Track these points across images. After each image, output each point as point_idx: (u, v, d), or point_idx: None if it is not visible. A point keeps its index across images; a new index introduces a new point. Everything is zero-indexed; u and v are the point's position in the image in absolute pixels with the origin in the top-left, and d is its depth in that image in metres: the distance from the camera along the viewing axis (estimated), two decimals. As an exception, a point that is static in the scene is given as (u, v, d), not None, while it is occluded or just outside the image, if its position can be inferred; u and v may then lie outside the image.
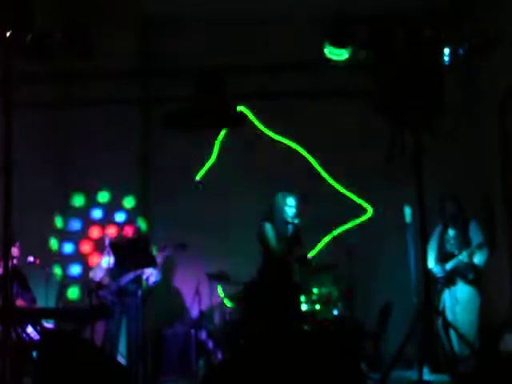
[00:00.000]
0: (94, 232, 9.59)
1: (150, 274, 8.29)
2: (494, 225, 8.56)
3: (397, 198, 9.12)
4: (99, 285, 8.13)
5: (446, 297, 7.86)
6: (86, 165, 9.49)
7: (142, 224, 9.51)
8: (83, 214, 9.67)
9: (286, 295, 7.37)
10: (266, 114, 9.61)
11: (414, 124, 6.71)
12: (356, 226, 9.68)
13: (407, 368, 7.05)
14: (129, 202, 9.66)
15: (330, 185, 9.81)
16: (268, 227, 7.45)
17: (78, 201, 9.69)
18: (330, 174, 9.78)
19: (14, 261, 7.74)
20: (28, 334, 6.68)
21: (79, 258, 9.52)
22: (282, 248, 7.39)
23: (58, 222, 9.60)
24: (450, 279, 7.84)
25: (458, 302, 7.76)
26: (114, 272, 8.12)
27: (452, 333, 6.83)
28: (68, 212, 9.68)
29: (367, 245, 9.49)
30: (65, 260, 9.51)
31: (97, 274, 8.29)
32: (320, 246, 9.66)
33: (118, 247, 7.98)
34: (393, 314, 8.22)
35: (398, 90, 6.52)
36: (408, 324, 6.62)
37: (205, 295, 8.94)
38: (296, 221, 7.40)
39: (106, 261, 8.10)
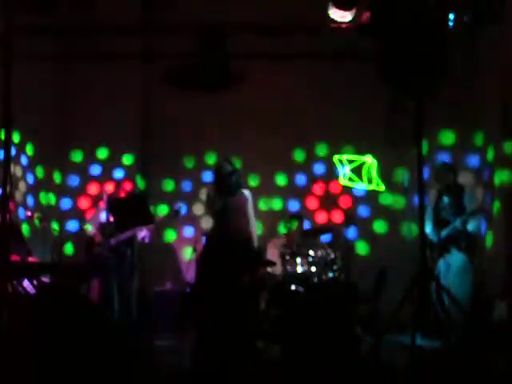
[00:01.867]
0: (92, 188, 9.59)
1: (145, 235, 8.30)
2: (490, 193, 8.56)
3: (395, 162, 9.14)
4: (93, 241, 8.14)
5: (441, 264, 7.89)
6: (85, 121, 9.49)
7: (140, 182, 9.50)
8: (82, 170, 9.66)
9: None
10: (266, 73, 9.51)
11: (415, 90, 6.68)
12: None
13: (400, 332, 7.09)
14: (127, 160, 9.65)
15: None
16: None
17: (77, 157, 9.68)
18: (330, 137, 9.72)
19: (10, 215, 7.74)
20: (24, 288, 6.71)
21: (77, 213, 9.53)
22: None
23: (57, 178, 9.59)
24: (444, 247, 7.86)
25: (452, 269, 7.78)
26: (109, 229, 8.09)
27: (445, 298, 6.85)
28: (66, 168, 9.66)
29: (364, 210, 9.54)
30: (62, 215, 9.52)
31: (90, 226, 8.29)
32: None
33: (116, 204, 7.97)
34: (388, 279, 8.25)
35: (401, 53, 6.47)
36: (403, 289, 6.67)
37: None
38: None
39: (101, 215, 8.06)
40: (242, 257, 7.02)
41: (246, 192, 7.14)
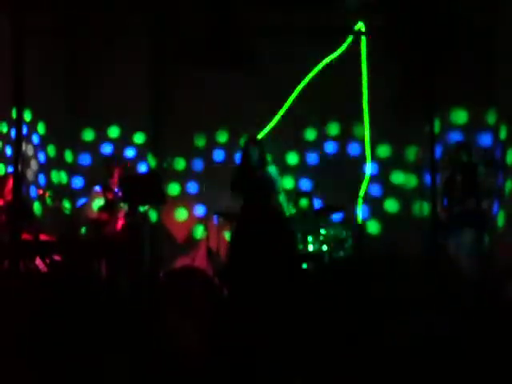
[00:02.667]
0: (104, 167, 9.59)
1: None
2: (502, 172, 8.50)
3: (407, 137, 9.08)
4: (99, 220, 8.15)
5: (452, 242, 7.85)
6: (97, 100, 9.47)
7: (151, 161, 9.49)
8: (93, 148, 9.66)
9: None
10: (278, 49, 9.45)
11: (427, 63, 6.64)
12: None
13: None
14: (139, 138, 9.64)
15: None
16: None
17: (88, 136, 9.68)
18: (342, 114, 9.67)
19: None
20: (36, 266, 6.75)
21: (88, 192, 9.55)
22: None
23: (68, 157, 9.60)
24: (456, 224, 7.82)
25: (463, 247, 7.74)
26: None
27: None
28: (78, 146, 9.67)
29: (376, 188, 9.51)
30: (74, 194, 9.54)
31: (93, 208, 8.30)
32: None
33: (128, 183, 7.97)
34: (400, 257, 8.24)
35: (412, 27, 6.43)
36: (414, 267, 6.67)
37: (213, 234, 8.96)
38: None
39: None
40: (280, 232, 7.15)
41: (274, 168, 7.27)
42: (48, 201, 7.99)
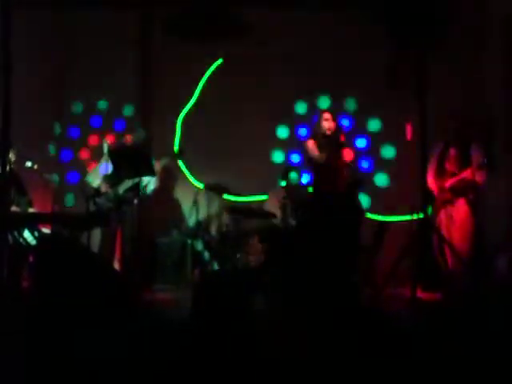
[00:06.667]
0: (93, 139, 9.55)
1: (148, 182, 8.29)
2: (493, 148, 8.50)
3: (397, 113, 9.05)
4: (97, 191, 8.13)
5: (442, 216, 7.84)
6: (85, 72, 9.41)
7: (140, 132, 9.42)
8: (82, 121, 9.61)
9: None
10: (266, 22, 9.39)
11: (417, 41, 6.60)
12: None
13: (401, 285, 7.12)
14: (128, 111, 9.60)
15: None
16: None
17: (77, 108, 9.62)
18: (332, 88, 9.63)
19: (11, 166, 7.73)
20: (25, 239, 6.72)
21: (77, 165, 9.51)
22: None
23: (57, 129, 9.54)
24: (447, 198, 7.81)
25: (454, 221, 7.74)
26: (112, 179, 8.07)
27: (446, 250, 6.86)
28: (67, 119, 9.62)
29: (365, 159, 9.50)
30: (63, 167, 9.51)
31: (94, 180, 8.29)
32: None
33: (117, 154, 7.92)
34: (389, 231, 8.26)
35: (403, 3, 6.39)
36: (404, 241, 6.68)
37: (203, 206, 8.95)
38: None
39: (104, 167, 8.01)
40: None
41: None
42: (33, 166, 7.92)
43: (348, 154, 9.05)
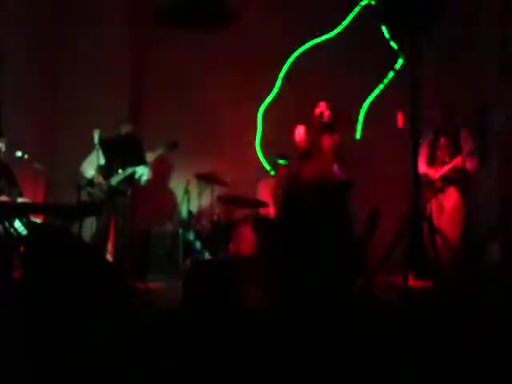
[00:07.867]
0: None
1: (142, 174, 8.28)
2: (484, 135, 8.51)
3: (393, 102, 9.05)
4: (90, 182, 8.12)
5: (433, 204, 7.86)
6: (74, 61, 9.37)
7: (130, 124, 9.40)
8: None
9: None
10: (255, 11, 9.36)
11: (413, 29, 6.58)
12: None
13: (392, 273, 7.12)
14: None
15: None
16: None
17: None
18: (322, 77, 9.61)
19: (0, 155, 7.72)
20: (16, 229, 6.69)
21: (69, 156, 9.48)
22: None
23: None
24: (438, 186, 7.82)
25: (445, 208, 7.75)
26: (105, 170, 8.05)
27: (437, 239, 6.86)
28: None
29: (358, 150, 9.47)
30: (55, 157, 9.47)
31: (87, 170, 8.26)
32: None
33: (108, 145, 7.89)
34: (381, 219, 8.25)
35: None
36: (396, 229, 6.67)
37: (194, 196, 8.95)
38: None
39: (96, 157, 7.96)
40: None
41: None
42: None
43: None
